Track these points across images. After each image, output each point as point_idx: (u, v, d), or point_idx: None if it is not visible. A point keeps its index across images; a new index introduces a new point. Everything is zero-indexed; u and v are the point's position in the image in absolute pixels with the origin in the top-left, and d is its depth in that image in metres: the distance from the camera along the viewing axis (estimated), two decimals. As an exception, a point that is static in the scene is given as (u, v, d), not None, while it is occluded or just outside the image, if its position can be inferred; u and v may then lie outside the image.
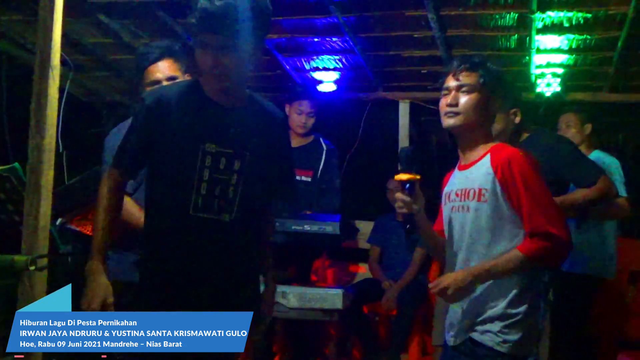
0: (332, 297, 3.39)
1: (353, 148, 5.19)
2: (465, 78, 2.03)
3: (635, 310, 4.16)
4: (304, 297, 3.37)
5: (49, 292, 2.25)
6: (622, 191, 3.45)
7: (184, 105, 1.94)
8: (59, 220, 3.46)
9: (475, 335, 1.97)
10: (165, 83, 2.34)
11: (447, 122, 2.04)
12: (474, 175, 2.02)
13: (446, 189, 2.15)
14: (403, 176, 2.01)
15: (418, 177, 2.02)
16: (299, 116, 3.84)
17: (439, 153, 5.71)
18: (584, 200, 2.83)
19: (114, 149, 2.07)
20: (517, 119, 2.82)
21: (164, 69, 2.40)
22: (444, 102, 2.05)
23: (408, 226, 2.06)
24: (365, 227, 4.57)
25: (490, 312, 1.95)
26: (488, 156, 2.00)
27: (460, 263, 2.03)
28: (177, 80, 2.34)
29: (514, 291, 1.95)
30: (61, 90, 2.68)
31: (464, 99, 2.02)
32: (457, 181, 2.10)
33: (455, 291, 1.90)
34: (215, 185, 1.92)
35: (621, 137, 5.41)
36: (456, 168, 2.14)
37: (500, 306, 1.95)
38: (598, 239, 3.47)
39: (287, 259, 3.83)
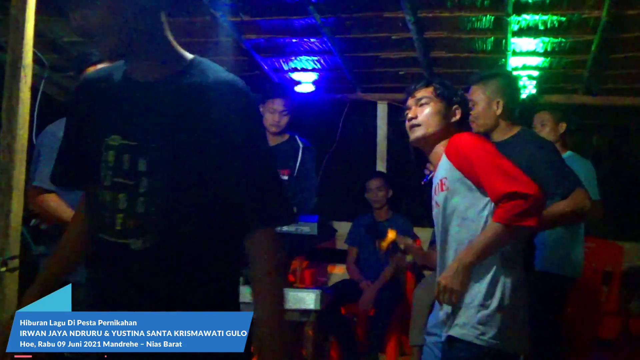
0: (309, 298, 3.38)
1: (331, 149, 5.20)
2: (421, 93, 2.17)
3: (608, 310, 4.22)
4: (281, 298, 3.35)
5: (21, 293, 2.23)
6: (595, 194, 3.48)
7: (103, 88, 1.41)
8: (32, 221, 3.41)
9: (454, 331, 1.96)
10: None
11: (412, 136, 2.17)
12: (438, 174, 2.10)
13: None
14: (384, 243, 2.19)
15: (392, 235, 2.27)
16: (272, 115, 3.81)
17: (416, 154, 5.73)
18: (560, 216, 2.60)
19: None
20: (499, 111, 2.70)
21: None
22: (407, 121, 2.18)
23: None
24: (343, 228, 4.57)
25: (467, 305, 1.95)
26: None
27: (440, 255, 2.07)
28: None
29: (489, 282, 1.95)
30: (36, 90, 2.65)
31: (422, 111, 2.14)
32: (432, 189, 2.18)
33: (454, 285, 1.91)
34: (117, 194, 1.32)
35: (595, 139, 5.49)
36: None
37: (477, 298, 1.94)
38: (570, 239, 3.50)
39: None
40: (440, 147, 2.12)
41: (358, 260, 4.43)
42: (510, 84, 2.80)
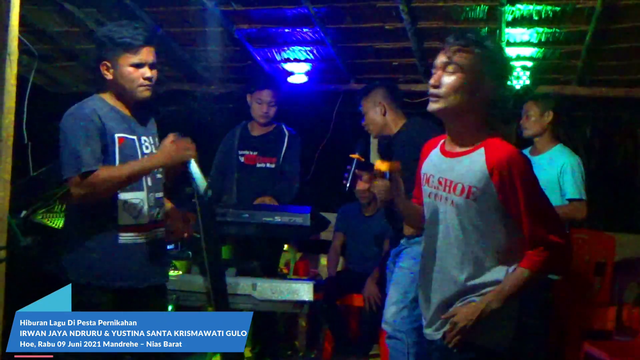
0: (302, 289, 3.37)
1: (325, 140, 5.17)
2: (455, 55, 1.81)
3: (601, 301, 4.23)
4: (274, 289, 3.34)
5: (8, 285, 2.21)
6: (582, 194, 3.45)
7: None
8: (23, 213, 3.38)
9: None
10: (147, 69, 2.33)
11: (430, 107, 1.86)
12: (463, 169, 1.85)
13: (426, 170, 2.00)
14: (382, 165, 2.06)
15: (397, 165, 2.05)
16: (259, 106, 3.84)
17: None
18: None
19: None
20: (384, 113, 3.11)
21: (152, 54, 2.36)
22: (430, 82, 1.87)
23: (391, 211, 2.13)
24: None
25: (458, 304, 1.88)
26: (482, 151, 1.83)
27: (439, 255, 1.94)
28: None
29: (478, 281, 1.86)
30: (25, 80, 2.61)
31: (447, 80, 1.81)
32: (440, 167, 1.93)
33: (470, 326, 1.83)
34: None
35: (589, 130, 5.48)
36: (438, 149, 1.98)
37: (469, 296, 1.87)
38: None
39: (257, 250, 3.81)
40: (472, 138, 1.85)
41: (345, 247, 4.41)
42: (390, 90, 3.18)
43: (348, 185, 2.28)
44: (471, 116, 1.85)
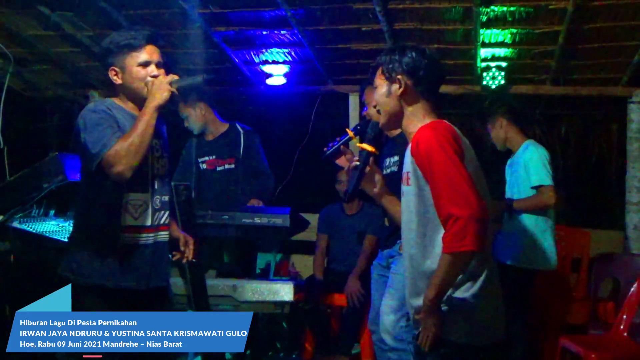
0: (282, 290, 3.39)
1: (304, 142, 5.19)
2: (376, 77, 2.07)
3: (577, 296, 4.30)
4: (254, 290, 3.36)
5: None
6: (547, 180, 3.58)
7: None
8: (0, 218, 3.35)
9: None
10: (153, 67, 2.31)
11: (380, 125, 2.11)
12: (404, 159, 2.02)
13: None
14: (366, 146, 2.15)
15: (376, 152, 2.15)
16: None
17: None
18: None
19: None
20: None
21: (157, 53, 2.35)
22: None
23: (349, 191, 2.19)
24: (316, 220, 4.57)
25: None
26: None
27: (404, 248, 2.04)
28: None
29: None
30: (1, 84, 2.58)
31: (374, 96, 2.07)
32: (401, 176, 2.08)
33: (428, 329, 1.86)
34: None
35: (563, 129, 5.57)
36: None
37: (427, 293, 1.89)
38: (530, 230, 3.55)
39: (237, 252, 3.82)
40: (413, 131, 1.97)
41: (329, 249, 4.43)
42: None
43: (328, 154, 2.32)
44: (407, 113, 2.02)
